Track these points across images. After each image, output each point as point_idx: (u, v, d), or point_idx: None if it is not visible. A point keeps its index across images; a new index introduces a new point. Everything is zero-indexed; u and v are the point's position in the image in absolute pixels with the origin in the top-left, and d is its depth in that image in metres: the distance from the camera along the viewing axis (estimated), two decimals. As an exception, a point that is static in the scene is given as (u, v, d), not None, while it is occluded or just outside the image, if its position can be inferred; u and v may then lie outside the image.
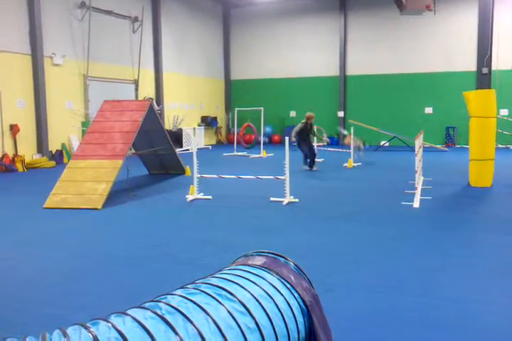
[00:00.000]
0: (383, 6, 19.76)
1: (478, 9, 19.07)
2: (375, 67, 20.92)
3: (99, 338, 1.88)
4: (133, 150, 11.06)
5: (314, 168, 12.06)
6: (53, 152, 14.09)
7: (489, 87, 17.39)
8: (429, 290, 4.05)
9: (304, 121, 12.04)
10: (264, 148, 16.19)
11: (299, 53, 22.00)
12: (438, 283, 4.25)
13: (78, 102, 15.18)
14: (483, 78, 19.17)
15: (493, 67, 19.11)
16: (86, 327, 1.95)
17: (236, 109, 18.67)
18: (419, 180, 8.81)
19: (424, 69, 20.22)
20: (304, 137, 12.04)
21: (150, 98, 16.91)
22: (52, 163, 13.42)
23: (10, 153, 12.90)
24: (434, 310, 3.65)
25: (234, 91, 23.55)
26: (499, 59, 19.03)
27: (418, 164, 8.68)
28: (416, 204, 7.63)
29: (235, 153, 16.75)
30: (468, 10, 19.31)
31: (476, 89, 16.99)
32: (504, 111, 18.69)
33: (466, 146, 10.09)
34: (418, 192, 8.41)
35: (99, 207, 7.60)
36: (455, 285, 4.19)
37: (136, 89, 17.52)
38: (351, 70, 21.41)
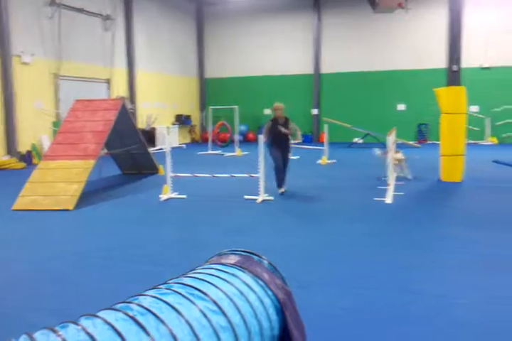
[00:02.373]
0: (356, 5, 19.93)
1: (449, 8, 19.51)
2: (349, 65, 21.10)
3: (68, 342, 1.84)
4: (105, 150, 10.91)
5: (282, 189, 8.51)
6: (23, 153, 13.78)
7: (459, 84, 17.76)
8: (402, 286, 4.11)
9: (272, 117, 8.66)
10: (239, 147, 16.18)
11: (273, 51, 22.03)
12: (411, 278, 4.31)
13: (49, 102, 14.88)
14: (453, 75, 19.61)
15: (463, 65, 19.57)
16: (54, 331, 1.91)
17: (210, 107, 18.58)
18: (391, 176, 8.92)
19: (396, 66, 20.49)
20: (278, 139, 8.40)
21: (123, 97, 16.68)
22: (22, 165, 13.13)
23: (-22, 154, 12.57)
24: (408, 305, 3.70)
25: (208, 90, 23.45)
26: (469, 57, 19.43)
27: (391, 160, 8.78)
28: (388, 199, 7.73)
29: (210, 151, 16.68)
30: (439, 9, 19.64)
31: (447, 86, 17.33)
32: (474, 108, 19.08)
33: (437, 142, 10.26)
34: (391, 188, 8.51)
35: (71, 207, 7.47)
36: (427, 280, 4.25)
37: (109, 88, 17.27)
38: (325, 68, 21.54)
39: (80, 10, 15.87)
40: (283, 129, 8.31)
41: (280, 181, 8.52)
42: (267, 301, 2.44)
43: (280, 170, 8.45)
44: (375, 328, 3.32)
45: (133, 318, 2.03)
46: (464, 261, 4.76)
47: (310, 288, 4.05)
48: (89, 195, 8.46)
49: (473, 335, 3.22)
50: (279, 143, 8.39)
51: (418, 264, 4.67)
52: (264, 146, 8.08)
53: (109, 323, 1.99)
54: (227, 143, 17.31)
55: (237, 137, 17.08)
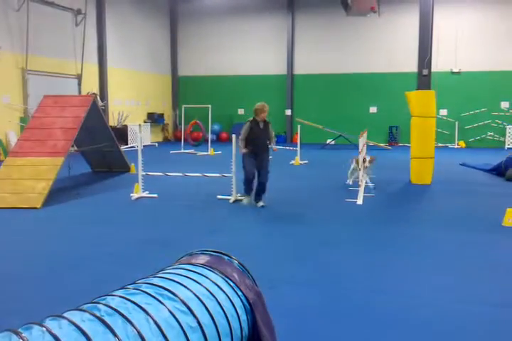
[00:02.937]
0: (330, 7, 20.08)
1: (420, 12, 19.85)
2: (322, 67, 21.27)
3: (31, 344, 1.79)
4: (75, 147, 10.70)
5: (260, 203, 7.46)
6: (-11, 149, 13.42)
7: (429, 88, 18.09)
8: (371, 285, 4.15)
9: (250, 118, 7.44)
10: (212, 146, 16.11)
11: (247, 51, 22.03)
12: (379, 278, 4.37)
13: (16, 97, 14.51)
14: (423, 79, 19.95)
15: (433, 69, 19.95)
16: (17, 333, 1.85)
17: (183, 106, 18.46)
18: (362, 178, 9.03)
19: (368, 69, 20.76)
20: (255, 144, 7.29)
21: (93, 93, 16.40)
22: (-12, 160, 12.79)
23: None
24: (376, 304, 3.74)
25: (181, 88, 23.28)
26: (438, 61, 19.83)
27: (361, 162, 8.89)
28: (359, 201, 7.81)
29: (182, 150, 16.56)
30: (410, 13, 19.97)
31: (417, 89, 17.64)
32: (443, 112, 19.50)
33: (408, 145, 10.45)
34: (362, 189, 8.61)
35: (39, 206, 7.30)
36: (395, 280, 4.31)
37: (79, 84, 16.96)
38: (299, 69, 21.66)
39: (50, 3, 15.53)
40: (274, 147, 7.70)
41: (249, 189, 7.51)
42: (237, 301, 2.43)
43: (250, 180, 7.39)
44: (344, 328, 3.35)
45: (100, 319, 1.99)
46: (433, 261, 4.84)
47: (279, 288, 4.05)
48: (58, 193, 8.28)
49: (442, 336, 3.27)
50: (256, 149, 7.30)
51: (388, 264, 4.73)
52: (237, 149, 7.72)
53: (75, 324, 1.95)
54: (199, 142, 17.21)
55: (210, 136, 17.01)
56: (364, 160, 8.94)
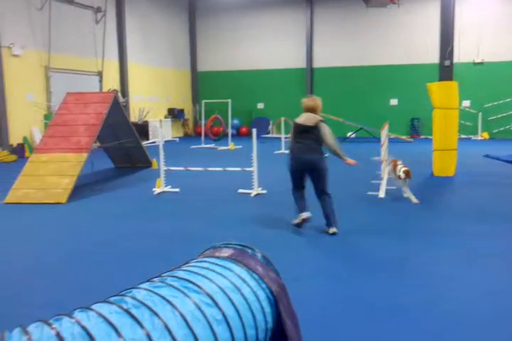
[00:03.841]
0: (349, -1, 19.90)
1: (441, 3, 19.52)
2: (342, 60, 21.08)
3: (62, 334, 1.84)
4: (98, 144, 10.85)
5: (332, 230, 5.54)
6: (14, 146, 13.68)
7: (451, 79, 17.81)
8: (396, 279, 4.13)
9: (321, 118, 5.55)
10: (232, 141, 16.15)
11: (266, 45, 21.94)
12: (405, 271, 4.34)
13: (40, 94, 14.75)
14: (445, 70, 19.67)
15: (455, 60, 19.63)
16: (48, 324, 1.90)
17: (203, 101, 18.51)
18: (384, 171, 8.94)
19: (389, 61, 20.49)
20: (307, 149, 5.50)
21: (115, 90, 16.56)
22: (14, 157, 13.04)
23: (-32, 147, 12.46)
24: (401, 297, 3.72)
25: (201, 83, 23.34)
26: (460, 52, 19.48)
27: (384, 154, 8.80)
28: (382, 194, 7.75)
29: (203, 145, 16.64)
30: (432, 3, 19.64)
31: (439, 81, 17.37)
32: (466, 103, 19.15)
33: (430, 137, 10.30)
34: (384, 182, 8.53)
35: (63, 201, 7.43)
36: (422, 273, 4.28)
37: (101, 81, 17.14)
38: (318, 62, 21.51)
39: (71, 1, 15.70)
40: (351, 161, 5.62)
41: (330, 217, 5.63)
42: (261, 294, 2.45)
43: (296, 191, 5.81)
44: (368, 320, 3.34)
45: (127, 311, 2.03)
46: (458, 254, 4.79)
47: (303, 280, 4.07)
48: (82, 189, 8.41)
49: (465, 328, 3.25)
50: (299, 149, 5.55)
51: (413, 258, 4.70)
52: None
53: (103, 316, 1.99)
54: (220, 137, 17.26)
55: (230, 131, 17.04)
56: (400, 173, 7.33)
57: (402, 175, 7.29)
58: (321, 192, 5.61)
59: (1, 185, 8.41)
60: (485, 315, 3.42)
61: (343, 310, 3.52)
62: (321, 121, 5.48)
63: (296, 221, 5.68)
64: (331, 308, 3.54)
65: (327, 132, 5.43)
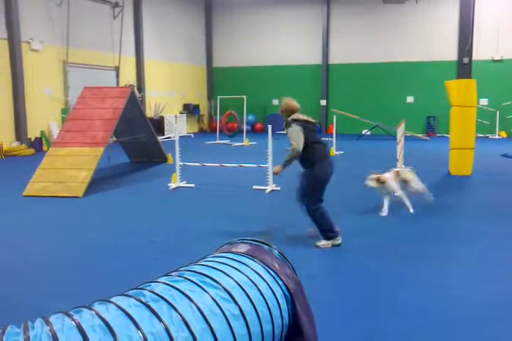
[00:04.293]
0: (366, -5, 19.74)
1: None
2: (358, 56, 20.93)
3: (82, 326, 1.87)
4: (114, 138, 10.93)
5: (336, 241, 4.98)
6: (32, 139, 13.85)
7: (469, 77, 17.60)
8: (412, 278, 4.12)
9: (298, 117, 5.26)
10: (247, 137, 16.15)
11: (281, 41, 21.88)
12: (420, 270, 4.32)
13: (58, 89, 14.89)
14: (463, 68, 19.42)
15: (474, 57, 19.37)
16: (69, 315, 1.93)
17: (218, 96, 18.54)
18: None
19: (405, 58, 20.30)
20: (314, 154, 5.04)
21: (131, 85, 16.66)
22: (32, 151, 13.20)
23: (-13, 140, 12.64)
24: (414, 295, 3.71)
25: (216, 79, 23.36)
26: (479, 49, 19.22)
27: (399, 152, 8.75)
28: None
29: (218, 141, 16.68)
30: (450, 0, 19.39)
31: (457, 78, 17.18)
32: (484, 101, 18.92)
33: (446, 135, 10.21)
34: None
35: (80, 195, 7.52)
36: (437, 272, 4.26)
37: (117, 76, 17.25)
38: (334, 59, 21.39)
39: (89, -3, 15.81)
40: None
41: (327, 229, 4.98)
42: (278, 290, 2.46)
43: (321, 204, 5.20)
44: (382, 317, 3.34)
45: (146, 305, 2.06)
46: (475, 253, 4.76)
47: (319, 277, 4.07)
48: (98, 183, 8.50)
49: (479, 327, 3.23)
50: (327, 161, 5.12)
51: (428, 257, 4.68)
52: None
53: (122, 309, 2.02)
54: (235, 133, 17.27)
55: (245, 127, 17.05)
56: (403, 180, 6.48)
57: (373, 184, 6.28)
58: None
59: (19, 179, 8.53)
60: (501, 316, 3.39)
61: (358, 308, 3.51)
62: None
63: (338, 241, 4.95)
64: (346, 306, 3.54)
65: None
